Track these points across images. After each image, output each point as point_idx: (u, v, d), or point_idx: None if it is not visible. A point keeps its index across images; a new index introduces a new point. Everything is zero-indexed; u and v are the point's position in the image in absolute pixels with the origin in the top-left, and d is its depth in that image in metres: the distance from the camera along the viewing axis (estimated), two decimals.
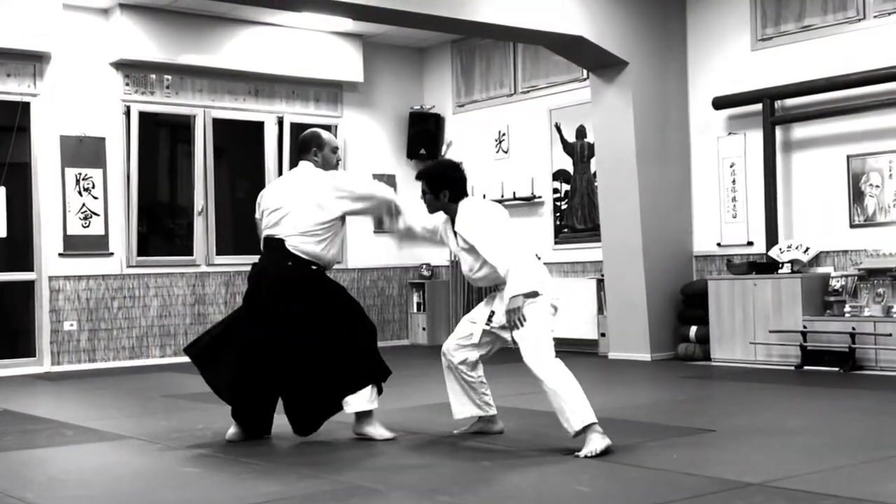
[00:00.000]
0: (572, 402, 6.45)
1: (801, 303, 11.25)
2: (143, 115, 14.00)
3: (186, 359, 13.09)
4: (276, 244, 7.17)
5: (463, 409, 7.13)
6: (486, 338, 7.01)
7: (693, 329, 12.40)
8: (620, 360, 12.60)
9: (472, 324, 7.04)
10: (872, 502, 5.02)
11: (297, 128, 15.16)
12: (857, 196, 11.48)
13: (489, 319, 6.96)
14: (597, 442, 6.38)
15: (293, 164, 14.78)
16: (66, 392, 11.01)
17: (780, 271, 11.61)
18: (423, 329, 15.97)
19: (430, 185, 7.03)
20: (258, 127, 15.02)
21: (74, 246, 13.43)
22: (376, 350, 7.30)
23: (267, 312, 7.18)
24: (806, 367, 11.08)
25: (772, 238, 11.96)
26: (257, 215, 7.45)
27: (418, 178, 7.15)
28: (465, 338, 7.05)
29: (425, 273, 16.09)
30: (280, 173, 14.95)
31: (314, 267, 7.18)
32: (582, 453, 6.33)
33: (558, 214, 14.47)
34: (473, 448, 6.74)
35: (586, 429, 6.42)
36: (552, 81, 14.61)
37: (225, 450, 6.90)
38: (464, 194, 7.04)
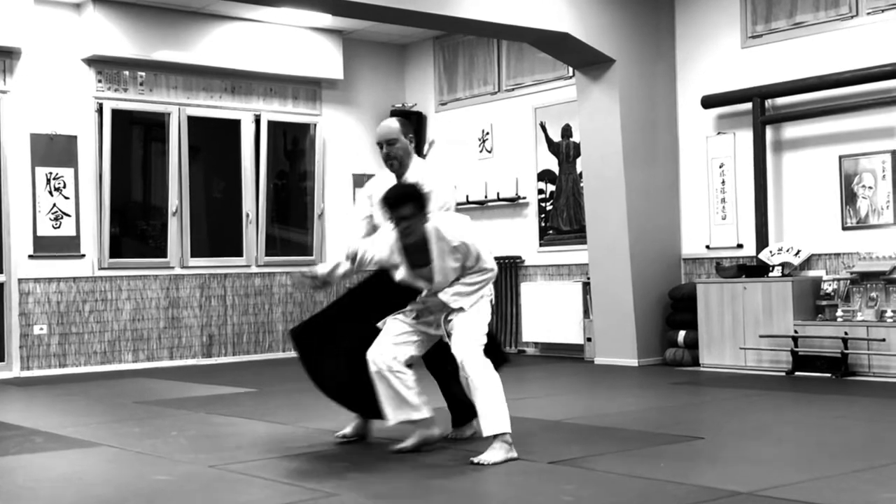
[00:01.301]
0: (491, 407, 6.55)
1: (792, 307, 11.26)
2: (115, 112, 13.95)
3: (159, 364, 13.04)
4: None
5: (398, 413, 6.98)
6: (418, 336, 6.95)
7: (681, 334, 12.40)
8: (607, 366, 12.60)
9: (400, 321, 6.95)
10: None
11: (274, 126, 15.15)
12: (849, 197, 11.50)
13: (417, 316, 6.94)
14: (499, 453, 6.49)
15: (270, 163, 14.79)
16: (36, 398, 10.98)
17: (770, 274, 11.62)
18: None
19: (417, 206, 6.66)
20: (234, 125, 14.98)
21: (45, 247, 13.39)
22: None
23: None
24: (797, 373, 11.09)
25: (762, 240, 11.97)
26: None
27: (398, 202, 6.67)
28: (402, 335, 6.88)
29: None
30: (257, 173, 14.93)
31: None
32: (479, 458, 6.44)
33: (543, 216, 14.47)
34: (455, 456, 6.72)
35: (497, 437, 6.53)
36: (537, 79, 14.61)
37: (198, 458, 6.88)
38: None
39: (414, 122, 16.04)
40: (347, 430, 7.47)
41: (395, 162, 7.33)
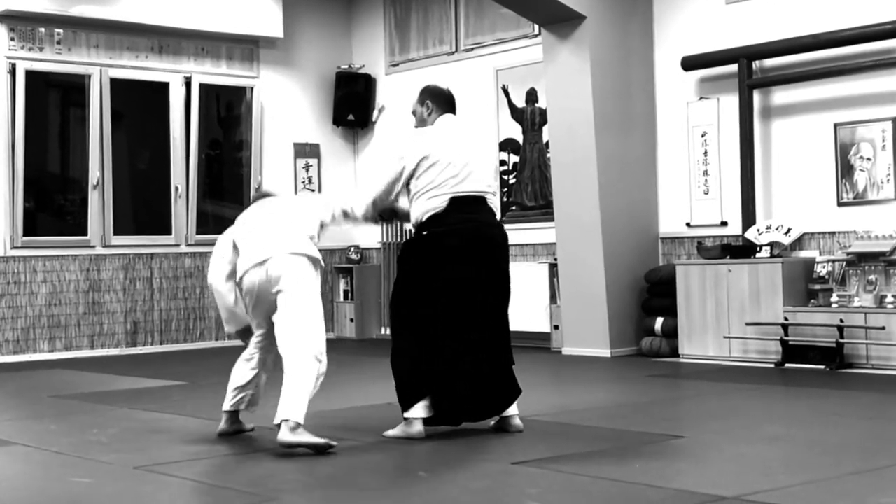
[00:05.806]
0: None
1: (781, 291, 11.29)
2: (30, 74, 13.85)
3: (79, 353, 12.91)
4: (481, 201, 7.95)
5: None
6: None
7: (659, 321, 12.42)
8: (576, 357, 12.62)
9: None
10: None
11: (206, 90, 15.08)
12: (845, 170, 11.52)
13: None
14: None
15: (201, 131, 14.69)
16: None
17: (757, 255, 11.64)
18: (351, 320, 15.92)
19: None
20: (162, 88, 14.90)
21: None
22: None
23: (490, 273, 7.97)
24: (787, 365, 11.13)
25: (748, 217, 11.99)
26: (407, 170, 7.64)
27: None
28: None
29: (353, 256, 16.05)
30: (187, 142, 14.83)
31: None
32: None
33: (506, 190, 14.46)
34: (410, 458, 6.72)
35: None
36: (499, 38, 14.60)
37: (121, 458, 6.83)
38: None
39: (362, 86, 16.01)
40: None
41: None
